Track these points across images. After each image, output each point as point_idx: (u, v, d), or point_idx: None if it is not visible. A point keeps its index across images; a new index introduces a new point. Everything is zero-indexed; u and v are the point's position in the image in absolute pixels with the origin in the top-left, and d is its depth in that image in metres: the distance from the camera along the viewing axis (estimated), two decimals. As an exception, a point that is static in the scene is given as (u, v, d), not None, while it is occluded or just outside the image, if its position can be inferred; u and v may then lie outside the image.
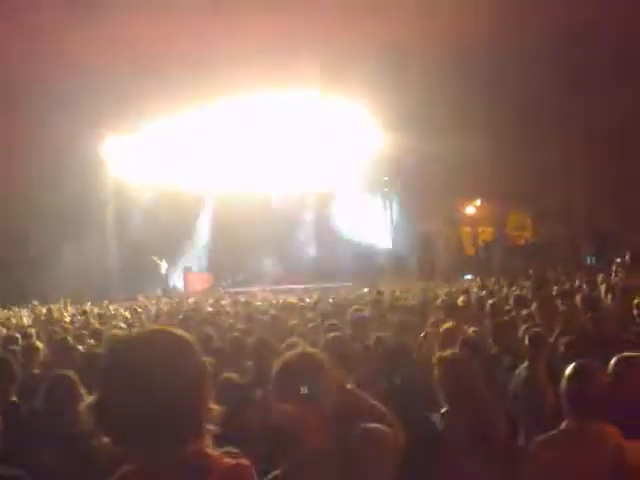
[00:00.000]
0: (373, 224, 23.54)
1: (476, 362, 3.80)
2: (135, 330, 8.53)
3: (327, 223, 23.43)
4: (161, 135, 22.44)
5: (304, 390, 2.23)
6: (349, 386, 3.41)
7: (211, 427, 1.68)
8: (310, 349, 2.49)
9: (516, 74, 19.28)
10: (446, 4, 17.85)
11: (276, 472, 2.32)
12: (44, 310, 14.22)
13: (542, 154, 20.65)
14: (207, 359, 5.04)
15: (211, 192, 24.58)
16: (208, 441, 1.68)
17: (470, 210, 25.56)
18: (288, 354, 2.43)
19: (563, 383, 2.88)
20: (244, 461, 1.72)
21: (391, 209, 23.44)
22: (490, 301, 7.94)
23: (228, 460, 1.70)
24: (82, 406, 1.69)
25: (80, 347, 6.48)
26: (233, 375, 4.42)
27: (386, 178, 23.24)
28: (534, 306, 7.72)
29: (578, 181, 21.54)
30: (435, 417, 3.49)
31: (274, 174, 22.67)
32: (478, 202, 25.47)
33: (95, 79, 18.74)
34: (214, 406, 1.70)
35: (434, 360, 3.66)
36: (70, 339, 7.13)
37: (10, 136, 18.94)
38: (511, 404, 4.41)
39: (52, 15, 16.57)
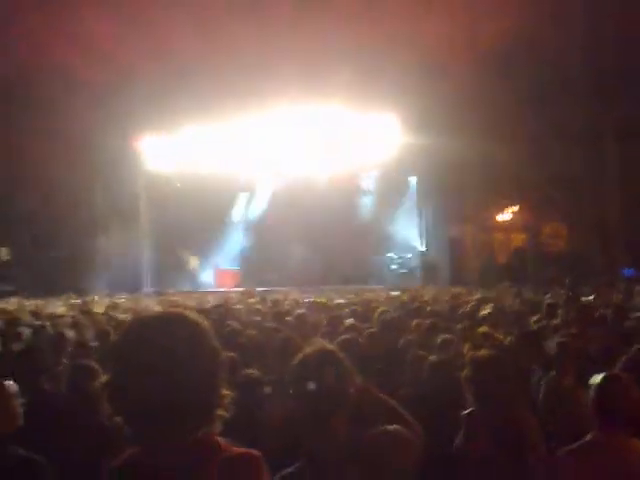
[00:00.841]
0: (406, 227, 23.39)
1: (509, 365, 3.73)
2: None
3: (358, 225, 23.33)
4: (196, 134, 22.61)
5: (311, 386, 2.21)
6: (372, 389, 3.37)
7: (222, 413, 1.67)
8: (330, 346, 2.47)
9: (554, 80, 19.00)
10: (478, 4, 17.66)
11: (295, 466, 2.31)
12: (79, 301, 14.45)
13: (577, 161, 20.35)
14: (230, 354, 5.05)
15: (245, 190, 24.70)
16: (218, 427, 1.67)
17: (505, 217, 25.25)
18: (307, 350, 2.42)
19: (592, 393, 2.81)
20: (254, 451, 1.71)
21: (424, 213, 23.24)
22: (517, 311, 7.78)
23: (237, 448, 1.69)
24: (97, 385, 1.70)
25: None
26: (253, 371, 4.40)
27: (415, 179, 23.11)
28: (566, 315, 7.60)
29: (613, 190, 21.16)
30: (461, 416, 3.43)
31: (303, 175, 22.67)
32: (514, 208, 25.16)
33: (132, 79, 19.04)
34: (226, 392, 1.69)
35: (467, 359, 3.60)
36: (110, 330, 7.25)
37: (45, 135, 19.29)
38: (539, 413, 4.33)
39: (88, 13, 16.81)
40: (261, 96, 20.15)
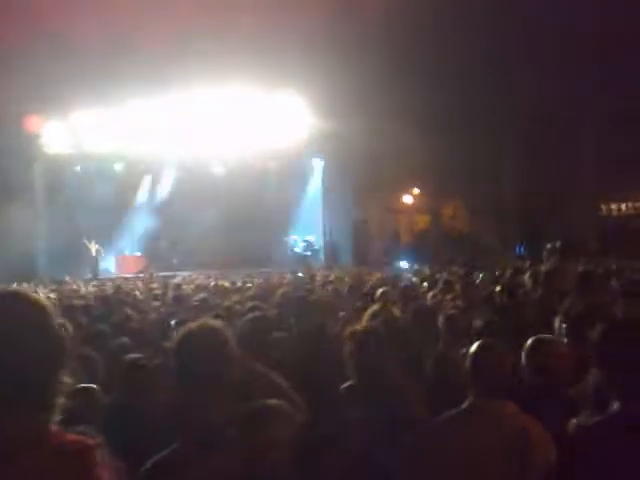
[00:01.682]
0: (311, 211, 23.54)
1: (391, 338, 3.79)
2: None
3: (263, 208, 23.23)
4: (98, 116, 21.76)
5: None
6: (258, 367, 3.36)
7: (61, 401, 1.59)
8: (214, 322, 2.41)
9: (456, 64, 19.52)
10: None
11: (168, 450, 2.25)
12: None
13: (476, 145, 21.11)
14: (123, 339, 4.89)
15: (150, 173, 24.04)
16: (56, 415, 1.59)
17: (407, 199, 25.91)
18: (188, 326, 2.35)
19: (467, 360, 2.91)
20: (90, 440, 1.62)
21: (329, 196, 23.45)
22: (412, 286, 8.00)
23: (70, 436, 1.60)
24: None
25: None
26: (139, 355, 4.29)
27: (322, 162, 23.25)
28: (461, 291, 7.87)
29: (509, 172, 22.12)
30: (341, 390, 3.45)
31: (208, 158, 22.39)
32: (416, 191, 25.85)
33: (29, 58, 18.07)
34: (67, 379, 1.61)
35: (346, 334, 3.62)
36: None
37: None
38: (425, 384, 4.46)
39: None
40: (167, 78, 19.66)
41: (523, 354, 3.55)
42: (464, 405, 2.90)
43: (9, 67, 18.13)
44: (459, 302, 6.63)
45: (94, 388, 3.27)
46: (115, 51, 18.28)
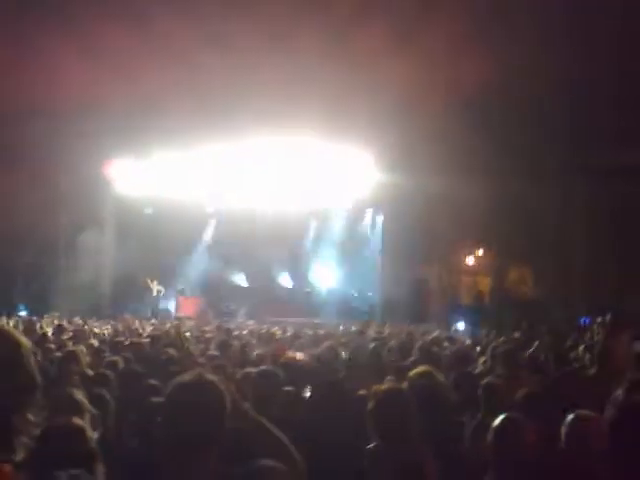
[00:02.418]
0: (366, 265, 23.42)
1: (413, 399, 3.62)
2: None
3: (323, 261, 23.31)
4: (167, 160, 22.54)
5: None
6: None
7: (25, 440, 1.53)
8: (210, 377, 2.28)
9: (522, 123, 19.27)
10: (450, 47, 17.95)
11: None
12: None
13: (545, 209, 20.62)
14: (150, 382, 4.83)
15: (214, 217, 24.57)
16: (15, 455, 1.52)
17: (470, 260, 25.40)
18: (181, 378, 2.25)
19: (489, 435, 2.71)
20: (5, 466, 1.53)
21: (386, 252, 23.27)
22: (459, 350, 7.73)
23: None
24: None
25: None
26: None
27: (383, 217, 23.18)
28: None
29: (579, 239, 21.42)
30: (365, 451, 3.30)
31: (271, 208, 22.68)
32: (480, 252, 25.34)
33: (103, 104, 18.98)
34: (31, 418, 1.55)
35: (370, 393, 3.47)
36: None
37: (12, 160, 19.08)
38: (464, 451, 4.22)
39: (55, 37, 16.73)
40: (237, 124, 20.20)
41: (563, 429, 3.32)
42: None
43: (92, 105, 19.05)
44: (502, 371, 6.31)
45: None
46: (190, 96, 18.94)
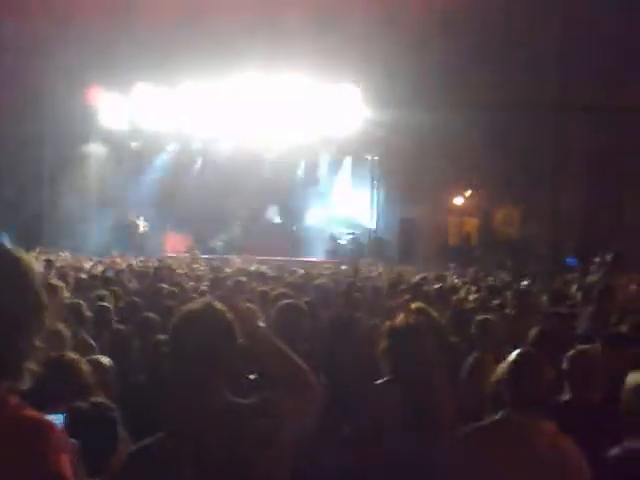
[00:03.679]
0: (358, 203, 23.34)
1: (430, 335, 3.61)
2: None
3: (314, 198, 23.20)
4: (153, 93, 21.99)
5: None
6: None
7: (31, 366, 1.44)
8: (218, 304, 2.23)
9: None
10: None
11: (153, 438, 2.11)
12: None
13: (536, 150, 20.52)
14: (152, 315, 4.80)
15: (201, 155, 24.20)
16: (25, 382, 1.44)
17: (458, 200, 25.38)
18: (190, 305, 2.21)
19: (504, 370, 2.68)
20: (47, 419, 1.46)
21: (377, 190, 23.19)
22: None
23: (28, 412, 1.43)
24: None
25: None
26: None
27: (376, 158, 22.96)
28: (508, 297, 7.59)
29: (569, 181, 21.41)
30: (375, 386, 3.29)
31: (263, 143, 22.38)
32: (468, 193, 25.31)
33: (88, 31, 18.40)
34: (39, 344, 1.46)
35: (384, 329, 3.45)
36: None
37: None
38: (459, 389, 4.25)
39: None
40: (225, 61, 19.70)
41: (564, 365, 3.34)
42: (497, 417, 2.68)
43: (76, 37, 18.47)
44: (509, 310, 6.33)
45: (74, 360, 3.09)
46: (179, 29, 18.41)
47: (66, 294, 6.71)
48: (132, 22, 18.68)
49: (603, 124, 19.66)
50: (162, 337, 4.13)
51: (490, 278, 11.71)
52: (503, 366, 2.70)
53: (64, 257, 15.00)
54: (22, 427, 1.40)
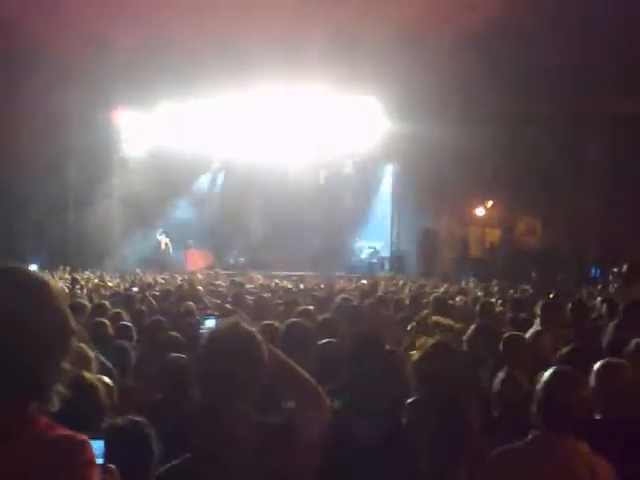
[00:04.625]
0: (378, 216, 23.31)
1: (460, 354, 3.58)
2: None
3: (333, 211, 23.19)
4: (173, 110, 22.23)
5: None
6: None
7: (59, 389, 1.46)
8: (246, 325, 2.25)
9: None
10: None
11: (181, 458, 2.12)
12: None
13: (556, 159, 20.37)
14: (174, 334, 4.80)
15: (224, 171, 24.38)
16: (54, 404, 1.46)
17: (480, 211, 25.24)
18: (218, 326, 2.23)
19: (538, 389, 2.62)
20: (80, 436, 1.47)
21: (397, 202, 23.14)
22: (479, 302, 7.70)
23: (60, 430, 1.45)
24: None
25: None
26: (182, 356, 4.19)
27: (393, 167, 22.98)
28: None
29: (589, 189, 21.20)
30: (403, 406, 3.27)
31: (284, 157, 22.46)
32: (489, 203, 25.16)
33: (108, 52, 18.66)
34: (67, 367, 1.47)
35: (417, 346, 3.44)
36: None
37: (15, 108, 18.82)
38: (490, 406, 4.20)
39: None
40: (240, 76, 19.84)
41: (592, 379, 3.26)
42: (530, 438, 2.63)
43: (101, 59, 18.75)
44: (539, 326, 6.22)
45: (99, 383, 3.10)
46: (199, 46, 18.58)
47: (90, 312, 6.79)
48: (155, 41, 18.86)
49: (620, 133, 19.50)
50: (181, 356, 4.14)
51: (513, 291, 11.60)
52: (538, 385, 2.64)
53: (88, 276, 15.14)
54: (54, 445, 1.42)
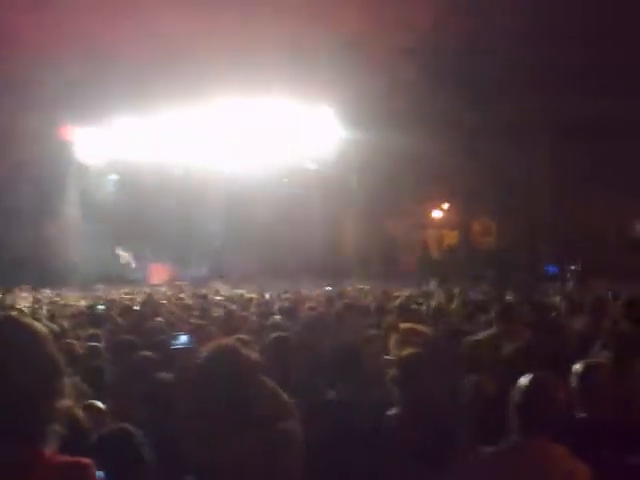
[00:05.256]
0: (337, 223, 23.48)
1: (437, 364, 3.69)
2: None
3: (292, 221, 23.26)
4: (130, 126, 22.05)
5: None
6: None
7: (57, 428, 1.56)
8: (237, 345, 2.34)
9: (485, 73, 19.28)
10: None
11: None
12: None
13: (508, 159, 20.86)
14: (148, 353, 4.80)
15: (179, 182, 24.20)
16: (51, 441, 1.55)
17: (437, 214, 25.66)
18: (210, 350, 2.29)
19: (516, 394, 2.71)
20: (84, 459, 1.61)
21: (356, 208, 23.35)
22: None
23: (64, 457, 1.58)
24: None
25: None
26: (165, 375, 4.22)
27: (352, 174, 23.21)
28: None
29: (542, 187, 21.76)
30: (386, 417, 3.37)
31: (242, 167, 22.47)
32: (445, 206, 25.60)
33: (61, 68, 18.42)
34: (62, 405, 1.58)
35: (393, 359, 3.53)
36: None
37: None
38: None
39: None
40: (197, 89, 19.79)
41: (572, 380, 3.33)
42: (509, 442, 2.70)
43: (44, 77, 18.48)
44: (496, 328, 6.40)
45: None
46: (148, 61, 18.47)
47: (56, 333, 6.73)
48: (102, 56, 18.71)
49: (571, 138, 20.09)
50: (165, 375, 4.16)
51: (473, 292, 11.84)
52: (515, 391, 2.73)
53: (48, 294, 14.89)
54: (63, 470, 1.55)
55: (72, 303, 12.17)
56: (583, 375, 3.21)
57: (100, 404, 3.45)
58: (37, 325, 1.66)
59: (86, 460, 1.60)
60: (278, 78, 19.03)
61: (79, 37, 17.55)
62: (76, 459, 1.59)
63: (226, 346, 2.30)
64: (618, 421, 3.07)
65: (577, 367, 3.28)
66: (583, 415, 3.11)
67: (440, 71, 19.05)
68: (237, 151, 22.14)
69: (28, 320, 1.66)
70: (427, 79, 18.91)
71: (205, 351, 2.30)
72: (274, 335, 4.29)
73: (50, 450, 1.56)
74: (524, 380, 2.70)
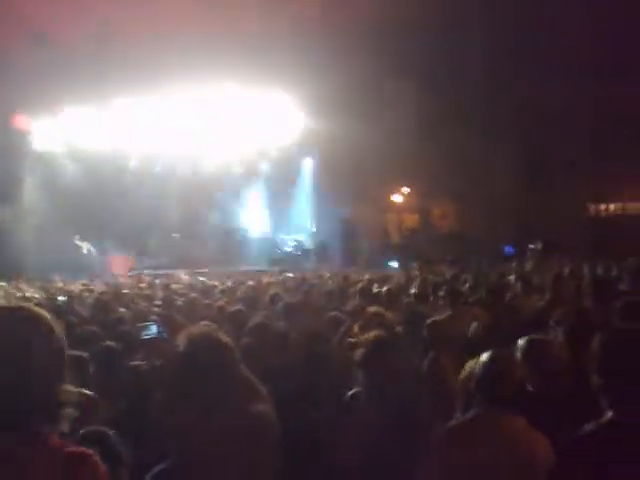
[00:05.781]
0: (296, 209, 23.56)
1: (400, 345, 3.78)
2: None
3: (252, 205, 23.27)
4: (86, 113, 21.66)
5: None
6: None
7: (69, 411, 1.61)
8: (218, 333, 2.41)
9: (444, 54, 19.48)
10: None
11: (166, 463, 2.24)
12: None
13: (467, 143, 21.16)
14: (112, 343, 4.83)
15: (138, 171, 23.88)
16: (63, 425, 1.61)
17: (396, 198, 25.89)
18: (190, 338, 2.34)
19: (478, 369, 2.84)
20: (88, 450, 1.68)
21: (315, 194, 23.44)
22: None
23: (70, 447, 1.65)
24: None
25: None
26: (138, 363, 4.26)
27: (312, 161, 23.25)
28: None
29: (500, 170, 22.14)
30: (346, 398, 3.46)
31: (196, 157, 22.33)
32: (405, 190, 25.83)
33: (15, 57, 17.98)
34: (69, 389, 1.64)
35: (358, 342, 3.62)
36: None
37: None
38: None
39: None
40: (156, 77, 19.53)
41: (518, 355, 3.47)
42: (469, 415, 2.83)
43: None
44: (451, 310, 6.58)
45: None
46: (104, 49, 18.18)
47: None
48: (56, 44, 18.32)
49: (530, 118, 20.48)
50: (141, 362, 4.19)
51: (432, 275, 12.05)
52: (476, 366, 2.86)
53: (4, 286, 14.58)
54: (68, 459, 1.61)
55: (29, 295, 11.95)
56: (525, 350, 3.35)
57: (88, 392, 3.48)
58: (40, 313, 1.72)
59: (89, 451, 1.67)
60: (237, 64, 18.90)
61: (31, 25, 17.12)
62: (82, 450, 1.67)
63: (205, 333, 2.36)
64: (567, 394, 3.21)
65: (521, 342, 3.43)
66: (530, 389, 3.25)
67: (402, 55, 19.16)
68: (196, 140, 21.96)
69: (37, 309, 1.73)
70: (388, 64, 19.02)
71: (184, 339, 2.33)
72: (255, 321, 4.36)
73: (56, 437, 1.63)
74: (484, 356, 2.85)
